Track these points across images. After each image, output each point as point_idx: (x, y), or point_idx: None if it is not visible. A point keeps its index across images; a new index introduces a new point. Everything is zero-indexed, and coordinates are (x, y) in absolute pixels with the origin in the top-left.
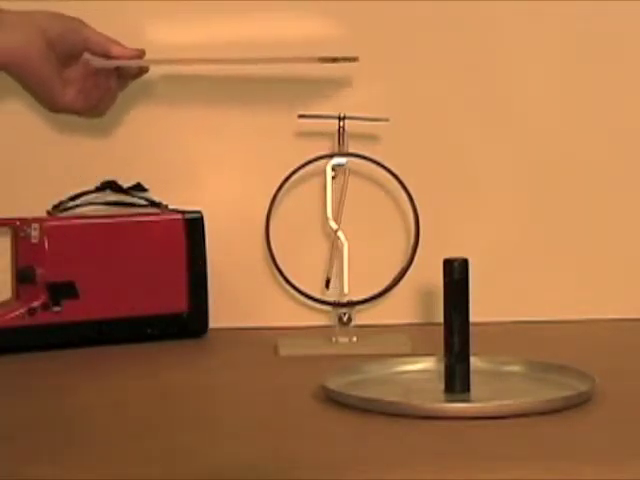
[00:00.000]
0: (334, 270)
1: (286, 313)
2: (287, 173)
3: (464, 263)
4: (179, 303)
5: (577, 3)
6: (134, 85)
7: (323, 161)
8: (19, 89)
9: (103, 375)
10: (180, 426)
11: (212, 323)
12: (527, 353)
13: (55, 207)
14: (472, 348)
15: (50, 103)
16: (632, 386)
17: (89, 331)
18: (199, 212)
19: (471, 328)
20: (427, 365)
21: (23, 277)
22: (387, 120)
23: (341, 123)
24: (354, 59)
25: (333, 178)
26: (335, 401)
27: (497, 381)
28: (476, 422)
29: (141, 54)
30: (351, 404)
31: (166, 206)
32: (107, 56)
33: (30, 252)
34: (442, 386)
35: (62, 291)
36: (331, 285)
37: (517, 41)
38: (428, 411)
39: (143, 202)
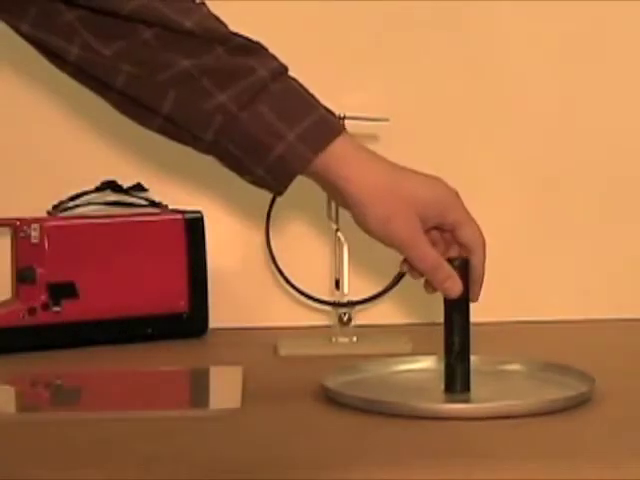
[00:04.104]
0: (339, 271)
1: (286, 313)
2: None
3: (464, 263)
4: (179, 303)
5: (577, 3)
6: None
7: None
8: (18, 89)
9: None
10: (180, 426)
11: (212, 323)
12: (527, 353)
13: (55, 207)
14: (472, 348)
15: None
16: (632, 386)
17: (89, 331)
18: (199, 212)
19: (471, 328)
20: (427, 365)
21: (23, 277)
22: (387, 120)
23: (341, 123)
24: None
25: None
26: (335, 401)
27: (497, 381)
28: (476, 422)
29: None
30: (350, 404)
31: (166, 206)
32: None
33: (30, 252)
34: (442, 386)
35: (62, 291)
36: (333, 285)
37: (517, 41)
38: (427, 411)
39: (143, 202)
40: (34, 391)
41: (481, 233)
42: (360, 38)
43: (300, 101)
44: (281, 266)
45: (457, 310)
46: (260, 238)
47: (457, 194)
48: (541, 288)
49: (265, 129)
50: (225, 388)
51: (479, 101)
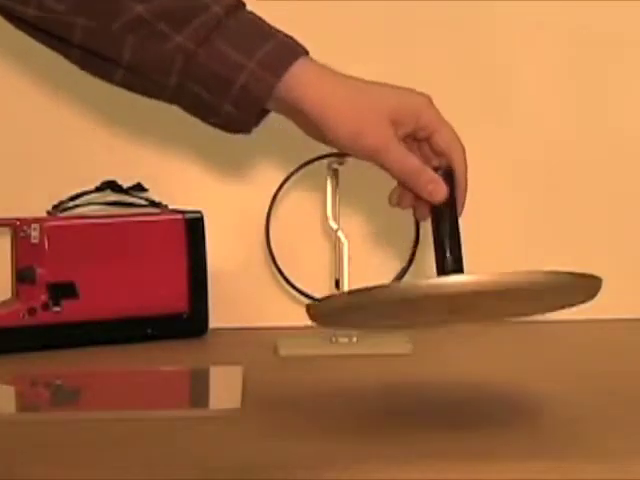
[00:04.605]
0: (339, 270)
1: (286, 313)
2: (287, 173)
3: (448, 171)
4: (179, 303)
5: (577, 3)
6: None
7: (323, 161)
8: (18, 89)
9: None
10: (180, 426)
11: (212, 323)
12: (527, 353)
13: (55, 207)
14: (472, 348)
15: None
16: (632, 386)
17: (89, 331)
18: (199, 212)
19: (471, 328)
20: None
21: (23, 277)
22: None
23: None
24: None
25: (333, 178)
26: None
27: None
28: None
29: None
30: (348, 303)
31: (166, 206)
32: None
33: (30, 252)
34: None
35: (62, 291)
36: (333, 285)
37: (517, 41)
38: (426, 288)
39: (143, 202)
40: (34, 391)
41: (459, 139)
42: (360, 38)
43: (257, 31)
44: (281, 266)
45: (446, 219)
46: (260, 238)
47: (430, 99)
48: None
49: (225, 63)
50: (225, 388)
51: (479, 100)
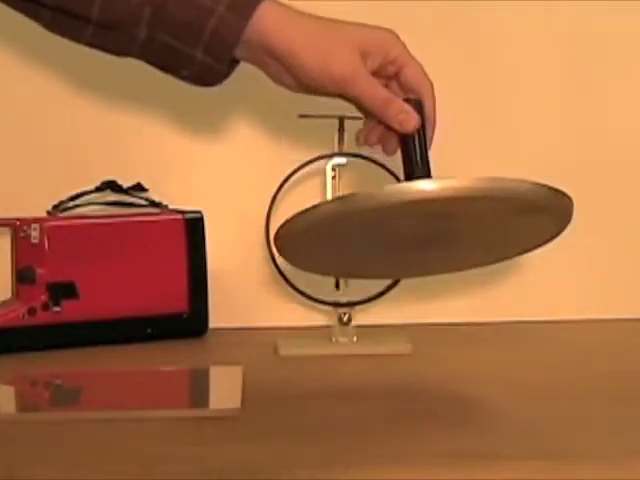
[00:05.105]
0: None
1: (286, 313)
2: (287, 173)
3: (418, 102)
4: (179, 303)
5: (577, 3)
6: (134, 85)
7: (323, 161)
8: (18, 89)
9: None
10: (180, 426)
11: (212, 323)
12: (527, 353)
13: (55, 207)
14: (472, 348)
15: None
16: (631, 386)
17: (89, 331)
18: (199, 212)
19: (471, 328)
20: None
21: (23, 277)
22: None
23: (341, 123)
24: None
25: (333, 178)
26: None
27: None
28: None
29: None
30: (320, 214)
31: (166, 206)
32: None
33: (30, 252)
34: None
35: (62, 291)
36: (333, 285)
37: (517, 41)
38: (398, 193)
39: (143, 202)
40: (34, 391)
41: (427, 75)
42: None
43: None
44: (281, 266)
45: (417, 150)
46: (260, 238)
47: (397, 35)
48: (541, 288)
49: (194, 9)
50: (225, 388)
51: (479, 101)
